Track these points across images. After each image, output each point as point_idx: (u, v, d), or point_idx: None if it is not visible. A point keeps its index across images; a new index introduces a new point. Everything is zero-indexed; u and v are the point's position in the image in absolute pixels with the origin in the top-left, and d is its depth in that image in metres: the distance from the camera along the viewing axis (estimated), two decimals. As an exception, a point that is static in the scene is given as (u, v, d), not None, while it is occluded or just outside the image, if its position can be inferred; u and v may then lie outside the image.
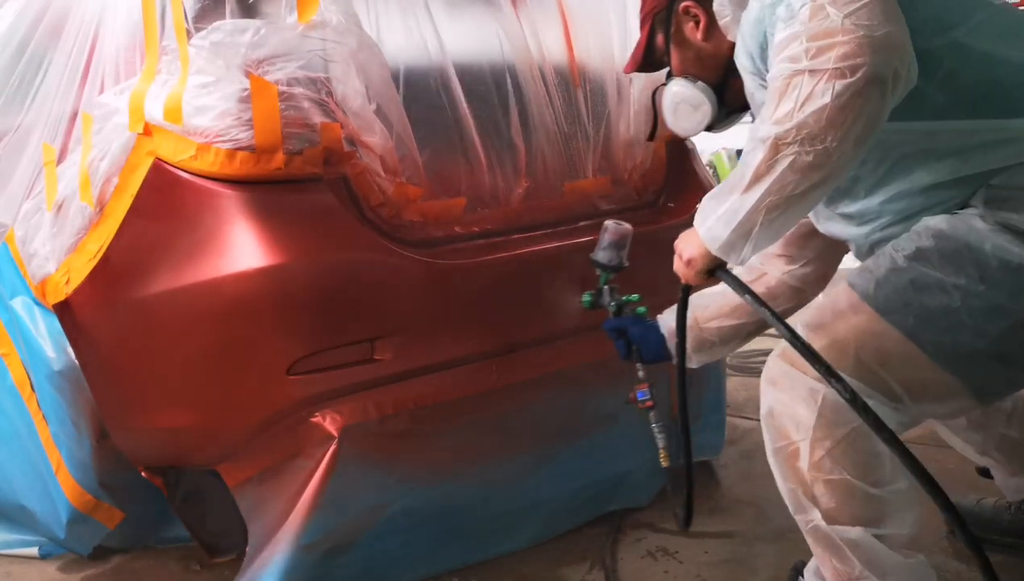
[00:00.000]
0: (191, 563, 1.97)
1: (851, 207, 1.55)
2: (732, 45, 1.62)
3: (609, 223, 1.94)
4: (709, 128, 1.74)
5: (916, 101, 1.34)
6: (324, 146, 1.77)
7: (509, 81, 2.10)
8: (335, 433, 1.79)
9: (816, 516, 1.46)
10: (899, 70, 1.26)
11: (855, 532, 1.44)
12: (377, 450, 1.85)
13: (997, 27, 1.46)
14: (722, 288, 1.67)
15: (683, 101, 1.71)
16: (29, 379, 2.14)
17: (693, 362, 1.90)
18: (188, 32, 1.78)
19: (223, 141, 1.73)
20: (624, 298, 1.96)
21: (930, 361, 1.41)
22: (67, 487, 2.11)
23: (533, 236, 2.07)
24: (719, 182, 1.53)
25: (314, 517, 1.81)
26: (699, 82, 1.69)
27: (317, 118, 1.77)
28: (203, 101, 1.74)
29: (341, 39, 1.80)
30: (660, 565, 2.05)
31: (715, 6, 1.63)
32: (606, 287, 1.96)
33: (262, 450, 1.86)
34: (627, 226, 1.93)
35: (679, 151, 2.40)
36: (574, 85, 2.21)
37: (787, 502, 1.52)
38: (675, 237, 1.58)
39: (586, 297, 1.99)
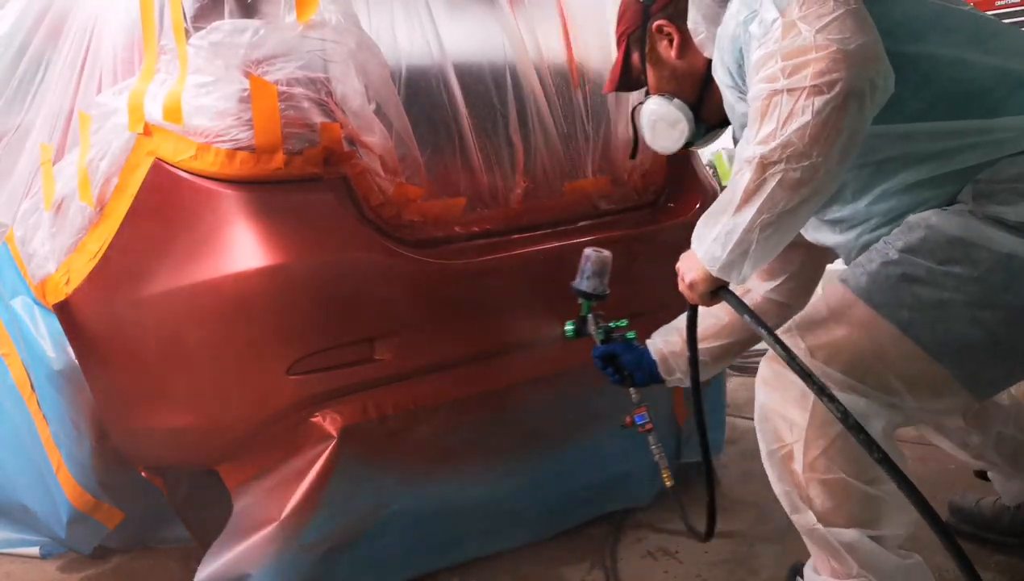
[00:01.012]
0: (191, 563, 1.97)
1: (839, 212, 1.55)
2: (708, 61, 1.62)
3: (590, 252, 1.88)
4: (688, 144, 1.72)
5: (892, 106, 1.33)
6: (324, 146, 1.77)
7: (509, 81, 2.10)
8: (334, 433, 1.79)
9: (811, 519, 1.47)
10: (875, 80, 1.27)
11: (851, 534, 1.44)
12: (377, 450, 1.85)
13: (966, 33, 1.46)
14: (706, 310, 1.65)
15: (660, 119, 1.70)
16: (29, 379, 2.14)
17: (683, 382, 1.89)
18: (187, 32, 1.78)
19: (223, 141, 1.74)
20: (612, 324, 1.91)
21: (925, 354, 1.42)
22: (67, 487, 2.11)
23: (533, 236, 2.07)
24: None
25: (314, 517, 1.81)
26: (676, 100, 1.69)
27: (317, 118, 1.77)
28: (202, 101, 1.74)
29: (340, 39, 1.80)
30: (660, 565, 2.05)
31: (689, 24, 1.62)
32: (590, 315, 1.91)
33: (262, 450, 1.86)
34: (607, 253, 1.89)
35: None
36: (573, 85, 2.21)
37: (783, 503, 1.53)
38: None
39: (569, 326, 1.93)
